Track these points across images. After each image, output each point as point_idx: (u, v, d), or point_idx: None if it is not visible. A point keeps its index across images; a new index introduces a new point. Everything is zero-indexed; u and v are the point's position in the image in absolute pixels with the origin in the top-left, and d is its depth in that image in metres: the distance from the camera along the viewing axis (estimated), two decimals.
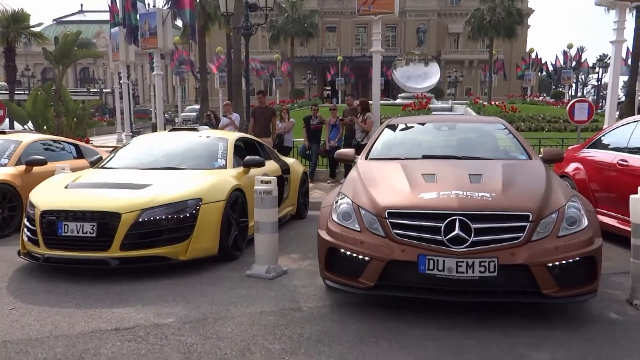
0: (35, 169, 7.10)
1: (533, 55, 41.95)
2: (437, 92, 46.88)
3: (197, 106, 44.67)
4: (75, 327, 3.55)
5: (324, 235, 3.95)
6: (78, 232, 4.57)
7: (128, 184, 5.02)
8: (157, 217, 4.65)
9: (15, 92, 20.06)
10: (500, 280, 3.47)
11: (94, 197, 4.80)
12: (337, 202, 4.08)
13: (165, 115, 33.14)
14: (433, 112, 22.47)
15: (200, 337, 3.39)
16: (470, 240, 3.44)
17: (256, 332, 3.47)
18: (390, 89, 47.07)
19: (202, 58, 29.78)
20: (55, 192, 5.03)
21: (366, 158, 5.09)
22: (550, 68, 46.53)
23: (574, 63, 38.51)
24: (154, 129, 27.96)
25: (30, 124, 11.21)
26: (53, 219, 4.65)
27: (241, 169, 5.92)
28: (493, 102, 28.90)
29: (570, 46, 38.31)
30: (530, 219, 3.51)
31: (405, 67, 28.92)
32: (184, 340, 3.35)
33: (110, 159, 6.24)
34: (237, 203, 5.40)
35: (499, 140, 5.34)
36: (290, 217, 7.41)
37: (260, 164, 6.03)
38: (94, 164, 6.29)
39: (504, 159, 4.76)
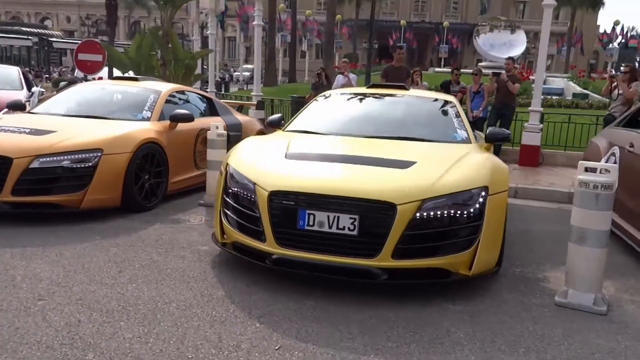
0: (180, 126, 5.72)
1: (618, 28, 38.78)
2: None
3: (251, 65, 43.05)
4: None
5: None
6: (330, 227, 3.12)
7: (389, 159, 3.52)
8: (439, 213, 3.17)
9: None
10: None
11: (349, 177, 3.32)
12: None
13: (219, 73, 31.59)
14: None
15: None
16: None
17: None
18: (463, 59, 44.39)
19: (271, 14, 28.11)
20: (277, 164, 3.57)
21: None
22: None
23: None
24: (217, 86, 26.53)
25: (131, 72, 9.84)
26: (291, 204, 3.21)
27: (483, 142, 4.41)
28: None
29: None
30: None
31: (489, 33, 26.44)
32: None
33: (297, 120, 4.77)
34: None
35: None
36: None
37: (505, 138, 4.51)
38: (276, 124, 4.82)
39: None
